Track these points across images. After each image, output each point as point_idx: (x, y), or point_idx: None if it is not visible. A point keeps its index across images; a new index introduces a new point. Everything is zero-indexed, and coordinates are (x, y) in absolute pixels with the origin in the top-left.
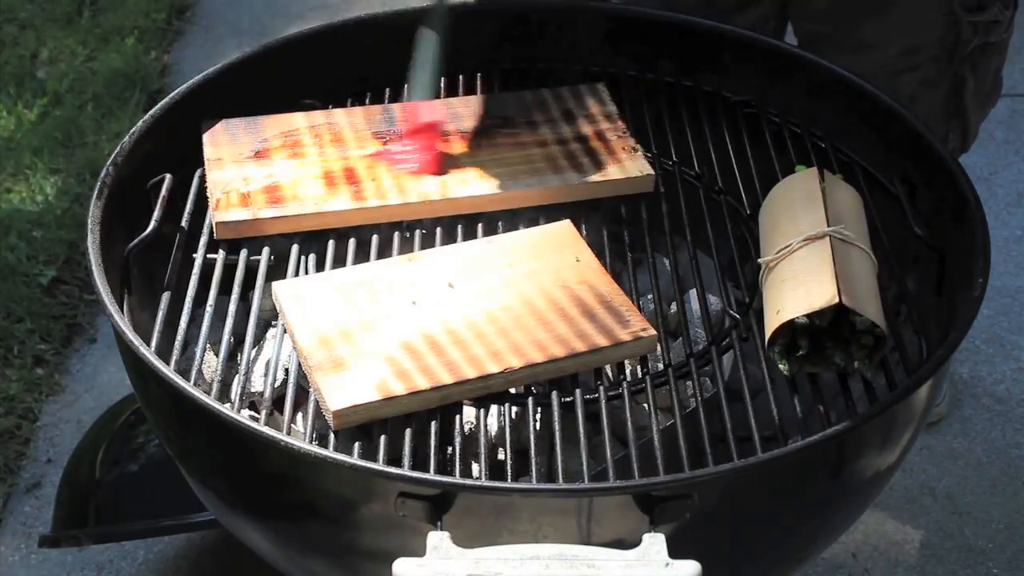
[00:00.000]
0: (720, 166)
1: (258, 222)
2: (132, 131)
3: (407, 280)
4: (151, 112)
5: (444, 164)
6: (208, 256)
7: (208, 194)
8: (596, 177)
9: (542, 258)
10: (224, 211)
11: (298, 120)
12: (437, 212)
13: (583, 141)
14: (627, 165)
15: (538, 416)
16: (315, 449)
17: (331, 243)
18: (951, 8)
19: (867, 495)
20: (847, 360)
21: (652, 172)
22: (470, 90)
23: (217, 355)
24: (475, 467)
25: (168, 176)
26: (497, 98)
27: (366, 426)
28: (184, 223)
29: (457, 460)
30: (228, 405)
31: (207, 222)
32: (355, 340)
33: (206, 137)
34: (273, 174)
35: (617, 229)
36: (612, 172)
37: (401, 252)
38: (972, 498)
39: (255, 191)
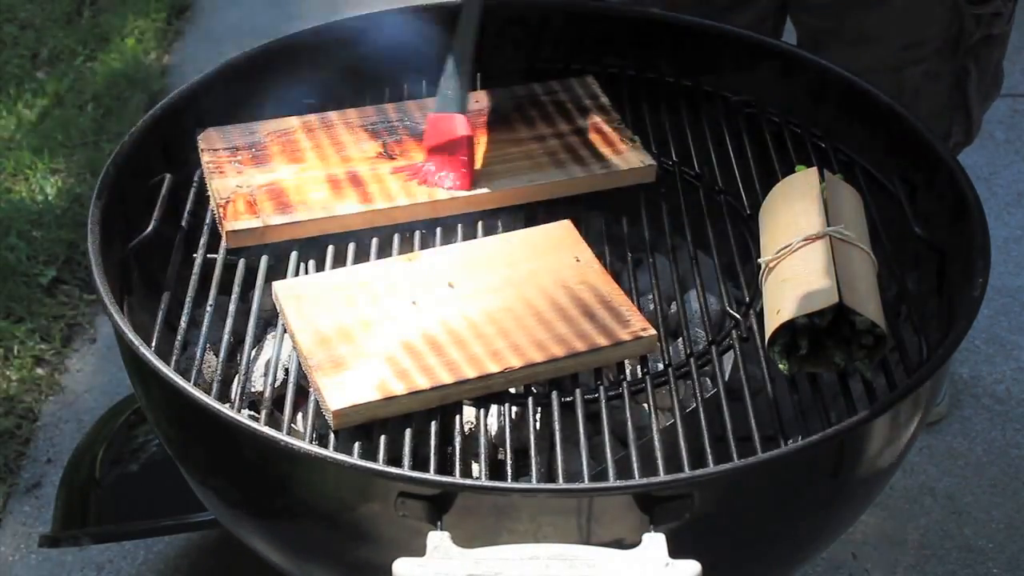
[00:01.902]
0: (720, 166)
1: (269, 229)
2: (132, 131)
3: (407, 280)
4: (151, 112)
5: (473, 180)
6: (208, 256)
7: (212, 202)
8: (598, 169)
9: (542, 258)
10: (233, 220)
11: (293, 124)
12: (447, 211)
13: (581, 134)
14: (628, 156)
15: (538, 416)
16: (315, 449)
17: (331, 243)
18: (954, 0)
19: (867, 495)
20: (847, 360)
21: (653, 162)
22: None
23: (217, 355)
24: (475, 467)
25: (168, 176)
26: (491, 94)
27: (366, 426)
28: (184, 223)
29: (457, 460)
30: (228, 405)
31: (207, 222)
32: (355, 340)
33: (201, 144)
34: (276, 180)
35: (617, 229)
36: (614, 163)
37: (401, 252)
38: (972, 498)
39: (261, 198)
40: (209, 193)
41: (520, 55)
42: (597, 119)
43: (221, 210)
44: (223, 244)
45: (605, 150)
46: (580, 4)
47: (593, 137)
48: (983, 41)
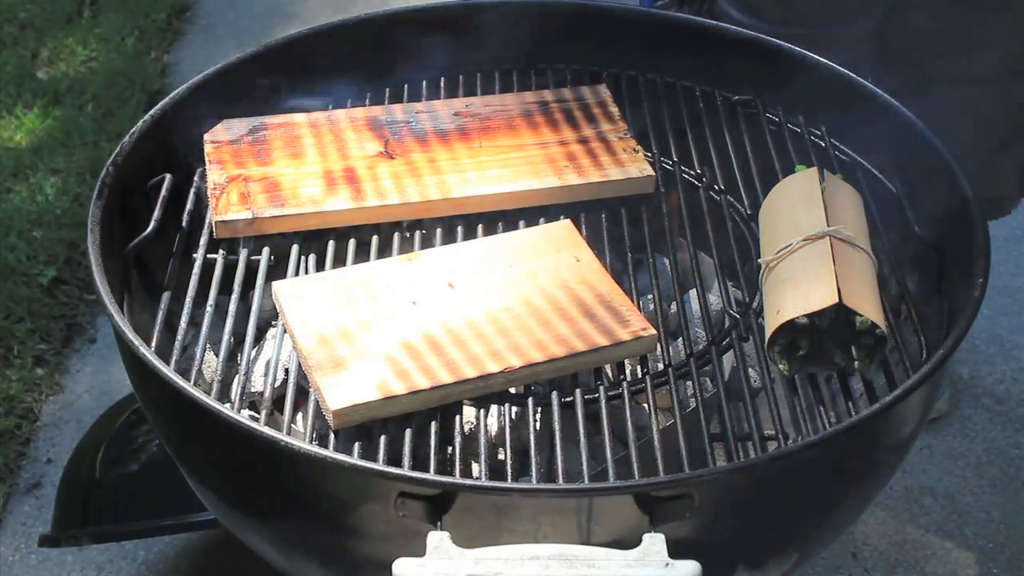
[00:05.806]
0: (720, 166)
1: (257, 222)
2: (132, 131)
3: (407, 280)
4: (151, 112)
5: None
6: (208, 256)
7: (208, 194)
8: (597, 178)
9: (542, 258)
10: (224, 211)
11: (299, 120)
12: (437, 212)
13: (584, 142)
14: (628, 166)
15: (538, 416)
16: (315, 449)
17: (331, 243)
18: None
19: (867, 495)
20: (847, 360)
21: (652, 173)
22: (471, 90)
23: (217, 355)
24: (475, 467)
25: (168, 176)
26: (499, 98)
27: (366, 426)
28: (184, 223)
29: (457, 460)
30: (228, 405)
31: (207, 222)
32: (355, 340)
33: (207, 137)
34: (273, 174)
35: (617, 229)
36: (613, 173)
37: (401, 252)
38: (972, 498)
39: (255, 191)
40: (207, 186)
41: (522, 55)
42: (602, 128)
43: (215, 200)
44: (222, 243)
45: (605, 159)
46: (581, 3)
47: (595, 146)
48: None
